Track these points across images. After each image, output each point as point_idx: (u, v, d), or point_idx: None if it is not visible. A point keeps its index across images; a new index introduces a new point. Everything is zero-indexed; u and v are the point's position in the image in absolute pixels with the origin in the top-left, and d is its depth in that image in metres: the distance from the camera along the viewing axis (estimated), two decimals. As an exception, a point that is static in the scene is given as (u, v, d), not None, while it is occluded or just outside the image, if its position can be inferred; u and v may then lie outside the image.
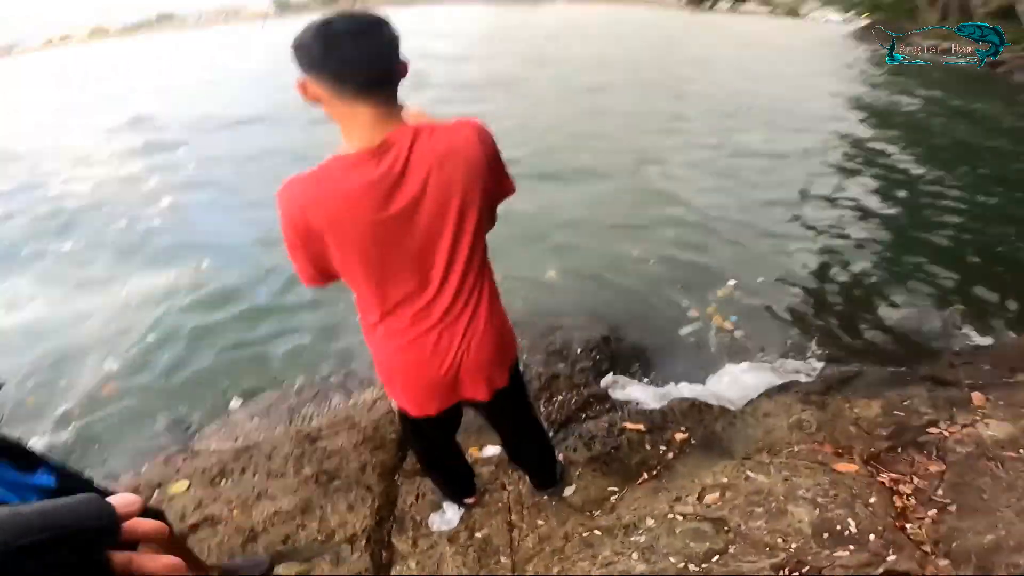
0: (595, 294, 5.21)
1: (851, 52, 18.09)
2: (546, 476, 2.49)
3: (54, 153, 11.21)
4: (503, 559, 2.19)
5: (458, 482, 2.43)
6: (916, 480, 2.02)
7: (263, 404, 4.19)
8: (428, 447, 2.17)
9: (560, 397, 3.59)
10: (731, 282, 5.09)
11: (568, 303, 5.04)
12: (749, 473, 2.10)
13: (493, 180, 1.48)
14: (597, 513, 2.35)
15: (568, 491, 2.53)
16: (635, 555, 1.93)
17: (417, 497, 2.65)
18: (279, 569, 2.17)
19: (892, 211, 6.81)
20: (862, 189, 7.38)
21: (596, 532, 2.16)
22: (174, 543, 1.95)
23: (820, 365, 3.95)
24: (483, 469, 2.78)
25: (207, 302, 5.62)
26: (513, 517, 2.41)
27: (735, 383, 3.70)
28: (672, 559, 1.86)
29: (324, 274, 1.48)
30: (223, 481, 2.89)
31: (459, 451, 2.36)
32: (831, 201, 6.96)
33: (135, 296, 5.88)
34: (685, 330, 4.56)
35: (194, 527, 2.45)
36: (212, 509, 2.56)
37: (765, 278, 5.20)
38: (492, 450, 3.02)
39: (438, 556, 2.23)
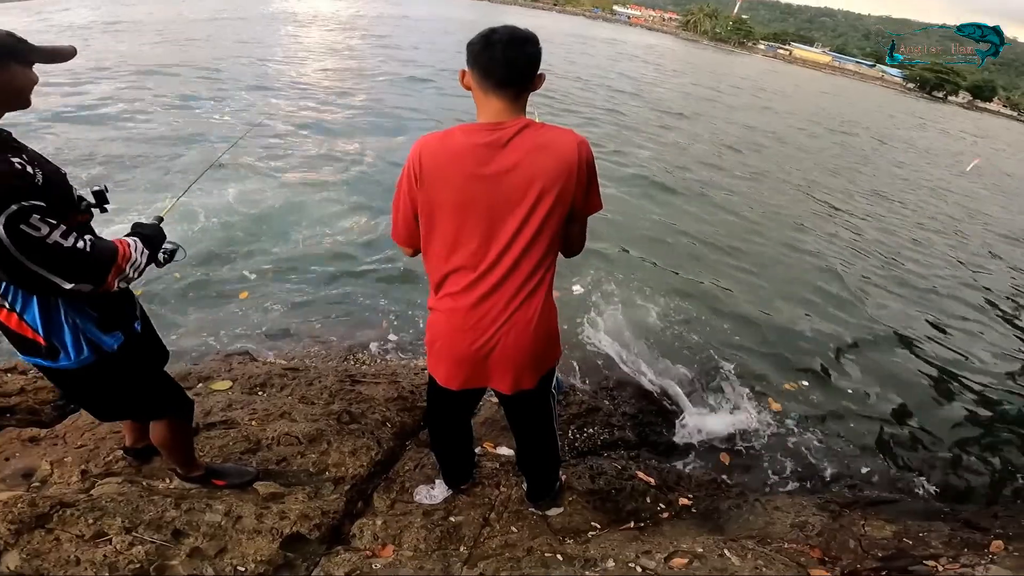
0: (679, 342, 5.12)
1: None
2: (541, 491, 2.49)
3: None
4: (462, 548, 2.21)
5: (456, 466, 2.49)
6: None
7: (330, 337, 4.49)
8: (440, 421, 2.25)
9: (591, 430, 3.57)
10: (804, 382, 4.81)
11: (657, 346, 4.98)
12: (726, 551, 1.99)
13: (580, 189, 1.63)
14: (569, 541, 2.32)
15: (553, 511, 2.51)
16: (582, 588, 1.89)
17: (416, 466, 2.73)
18: (257, 484, 2.28)
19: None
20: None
21: (558, 556, 2.14)
22: (178, 441, 2.07)
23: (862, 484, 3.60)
24: (489, 464, 2.82)
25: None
26: (492, 516, 2.43)
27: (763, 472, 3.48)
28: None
29: (410, 231, 1.73)
30: (261, 392, 3.14)
31: (469, 438, 2.42)
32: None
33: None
34: (736, 410, 4.31)
35: (211, 426, 2.63)
36: (236, 414, 2.76)
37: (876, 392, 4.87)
38: (505, 451, 3.05)
39: (406, 523, 2.28)
